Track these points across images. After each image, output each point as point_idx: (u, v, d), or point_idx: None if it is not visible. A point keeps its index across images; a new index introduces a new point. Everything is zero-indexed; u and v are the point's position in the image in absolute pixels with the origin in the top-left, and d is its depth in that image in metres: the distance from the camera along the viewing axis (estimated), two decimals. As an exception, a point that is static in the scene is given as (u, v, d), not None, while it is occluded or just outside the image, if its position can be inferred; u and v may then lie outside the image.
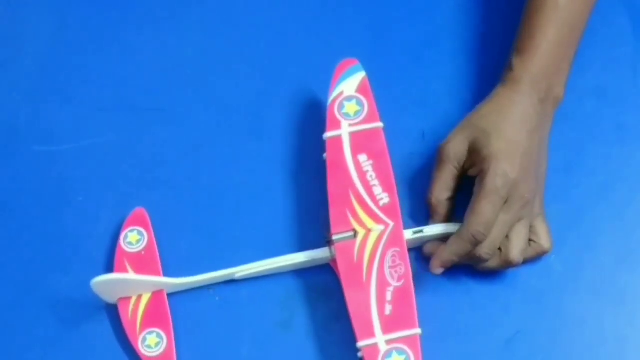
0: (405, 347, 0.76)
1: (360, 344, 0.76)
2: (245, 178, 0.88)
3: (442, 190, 0.82)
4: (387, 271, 0.79)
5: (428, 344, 0.79)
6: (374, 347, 0.76)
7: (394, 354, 0.76)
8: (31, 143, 0.91)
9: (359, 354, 0.76)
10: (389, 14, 0.95)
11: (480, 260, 0.79)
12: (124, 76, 0.93)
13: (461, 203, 0.82)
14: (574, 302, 0.82)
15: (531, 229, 0.80)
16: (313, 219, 0.84)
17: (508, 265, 0.80)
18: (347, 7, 0.96)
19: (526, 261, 0.81)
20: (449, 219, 0.83)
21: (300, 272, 0.83)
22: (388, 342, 0.76)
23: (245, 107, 0.91)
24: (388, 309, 0.77)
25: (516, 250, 0.79)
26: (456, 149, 0.81)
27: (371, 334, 0.76)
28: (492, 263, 0.80)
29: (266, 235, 0.85)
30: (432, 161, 0.86)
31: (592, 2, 0.85)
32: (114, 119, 0.91)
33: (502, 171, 0.78)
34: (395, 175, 0.82)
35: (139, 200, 0.86)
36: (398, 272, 0.79)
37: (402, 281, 0.78)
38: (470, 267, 0.81)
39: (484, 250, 0.78)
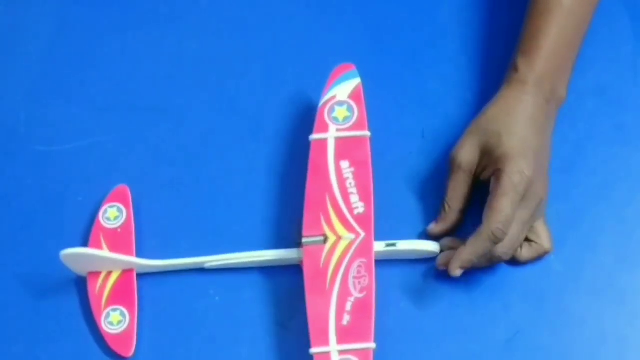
0: None
1: (313, 350, 0.76)
2: (237, 176, 0.88)
3: (455, 199, 0.82)
4: (350, 281, 0.78)
5: (428, 344, 0.79)
6: (326, 355, 0.75)
7: None
8: (31, 143, 0.91)
9: None
10: (389, 13, 0.95)
11: (500, 260, 0.79)
12: (124, 76, 0.94)
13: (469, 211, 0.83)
14: (574, 302, 0.81)
15: (532, 229, 0.80)
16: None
17: (497, 259, 0.79)
18: (347, 6, 0.95)
19: (527, 262, 0.81)
20: (456, 227, 0.82)
21: (301, 273, 0.82)
22: (341, 352, 0.75)
23: (243, 108, 0.91)
24: (346, 319, 0.76)
25: (508, 245, 0.78)
26: (467, 155, 0.81)
27: (325, 342, 0.76)
28: None
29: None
30: (432, 161, 0.86)
31: (595, 3, 0.85)
32: (114, 119, 0.91)
33: (518, 168, 0.77)
34: (374, 186, 0.81)
35: (137, 199, 0.87)
36: (362, 283, 0.78)
37: (364, 293, 0.77)
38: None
39: (502, 250, 0.77)
